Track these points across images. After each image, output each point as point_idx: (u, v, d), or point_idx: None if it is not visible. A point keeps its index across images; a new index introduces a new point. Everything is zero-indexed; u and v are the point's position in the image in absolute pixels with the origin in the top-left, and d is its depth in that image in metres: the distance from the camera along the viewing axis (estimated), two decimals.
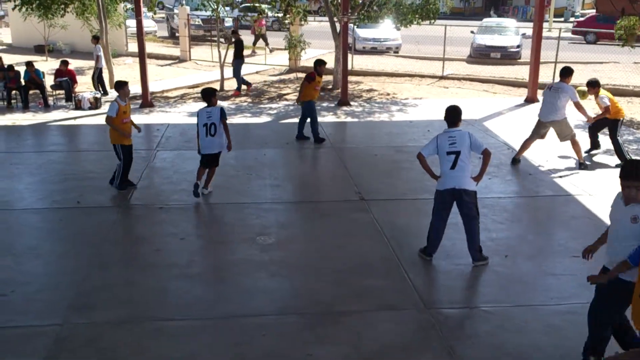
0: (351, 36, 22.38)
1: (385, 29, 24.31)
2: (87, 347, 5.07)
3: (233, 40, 16.83)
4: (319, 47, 23.39)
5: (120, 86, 8.61)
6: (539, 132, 10.05)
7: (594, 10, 15.18)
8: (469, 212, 6.40)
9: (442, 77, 19.49)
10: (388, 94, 16.80)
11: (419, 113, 14.35)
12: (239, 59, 16.62)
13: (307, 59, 22.29)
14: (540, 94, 16.23)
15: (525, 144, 10.17)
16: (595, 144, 10.69)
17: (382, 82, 18.97)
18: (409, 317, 5.52)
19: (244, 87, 16.84)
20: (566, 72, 9.85)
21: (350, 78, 17.69)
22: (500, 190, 8.97)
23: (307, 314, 5.57)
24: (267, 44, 23.74)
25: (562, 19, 41.37)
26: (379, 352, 4.98)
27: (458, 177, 6.35)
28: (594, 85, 10.04)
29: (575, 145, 9.84)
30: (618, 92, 17.11)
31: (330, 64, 18.82)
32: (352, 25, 20.65)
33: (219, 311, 5.65)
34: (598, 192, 8.73)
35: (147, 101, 14.82)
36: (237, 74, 16.66)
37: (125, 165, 8.72)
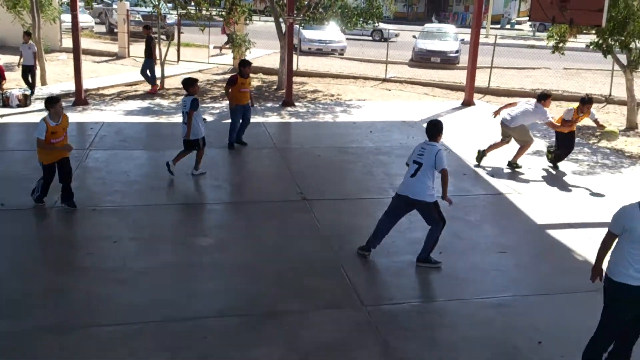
0: (297, 37, 22.54)
1: (330, 31, 24.59)
2: (11, 357, 4.89)
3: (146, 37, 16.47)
4: (264, 47, 23.42)
5: (51, 104, 7.55)
6: (506, 135, 10.45)
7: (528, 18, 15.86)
8: (427, 219, 6.74)
9: (385, 80, 19.89)
10: (332, 95, 17.04)
11: (363, 114, 14.63)
12: (149, 58, 16.28)
13: (252, 58, 22.30)
14: (477, 98, 16.87)
15: (495, 146, 10.55)
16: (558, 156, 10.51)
17: (327, 83, 19.19)
18: (347, 315, 5.70)
19: (148, 86, 16.62)
20: (544, 96, 10.25)
21: (295, 79, 17.82)
22: (438, 189, 9.29)
23: (247, 315, 5.64)
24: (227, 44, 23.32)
25: (499, 26, 42.83)
26: (316, 351, 5.12)
27: (414, 187, 6.62)
28: (589, 102, 10.09)
29: (522, 149, 10.27)
30: None
31: (276, 64, 18.91)
32: (297, 26, 20.78)
33: (155, 315, 5.54)
34: (527, 191, 9.18)
35: (81, 99, 14.36)
36: (143, 72, 16.45)
37: (46, 182, 7.87)
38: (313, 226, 7.79)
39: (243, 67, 10.98)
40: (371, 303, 5.88)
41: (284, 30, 16.42)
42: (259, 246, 7.20)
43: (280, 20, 16.71)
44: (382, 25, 28.04)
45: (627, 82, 14.01)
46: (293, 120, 13.95)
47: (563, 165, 10.70)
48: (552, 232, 7.76)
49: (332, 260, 6.82)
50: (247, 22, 19.08)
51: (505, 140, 10.46)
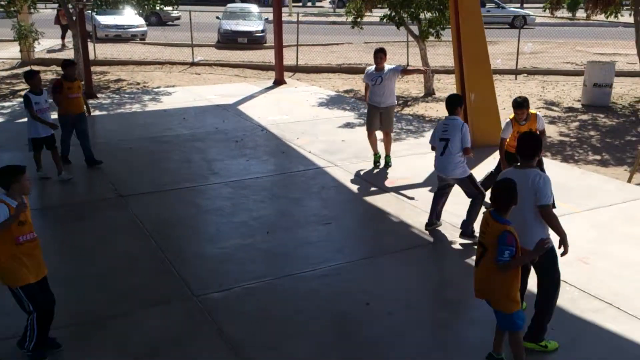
0: (91, 24, 21.11)
1: (128, 16, 23.41)
2: None
3: None
4: (56, 37, 21.65)
5: (14, 174, 4.53)
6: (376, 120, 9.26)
7: None
8: (466, 193, 6.83)
9: (192, 64, 19.44)
10: (138, 84, 16.24)
11: (173, 101, 14.15)
12: None
13: (43, 49, 20.45)
14: (288, 76, 17.19)
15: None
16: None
17: (130, 71, 18.26)
18: (177, 309, 5.49)
19: None
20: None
21: (95, 68, 16.72)
22: (258, 170, 9.32)
23: (71, 326, 5.18)
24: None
25: (301, 4, 44.03)
26: (150, 352, 4.87)
27: (446, 164, 6.70)
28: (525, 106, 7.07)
29: (386, 137, 9.35)
30: (353, 70, 18.86)
31: (71, 54, 17.50)
32: (90, 11, 19.43)
33: None
34: (343, 163, 9.56)
35: None
36: None
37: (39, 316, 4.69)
38: (132, 223, 7.36)
39: (66, 68, 9.09)
40: (201, 293, 5.71)
41: (74, 17, 15.21)
42: (75, 251, 6.65)
43: (70, 6, 15.43)
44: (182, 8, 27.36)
45: (420, 52, 15.19)
46: (97, 113, 13.05)
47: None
48: (369, 199, 8.17)
49: (156, 256, 6.51)
50: (32, 10, 17.41)
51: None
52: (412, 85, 16.62)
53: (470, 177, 6.79)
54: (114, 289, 5.82)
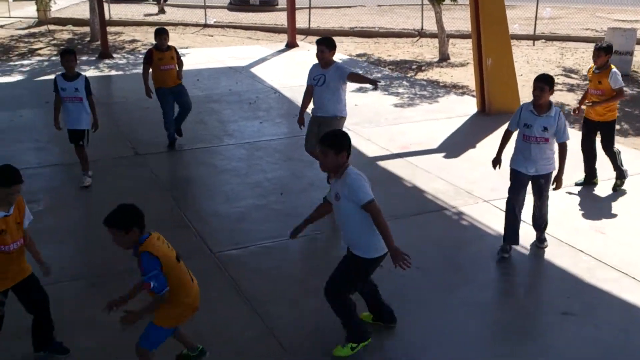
0: None
1: None
2: None
3: None
4: None
5: (7, 182, 3.92)
6: None
7: None
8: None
9: (205, 26, 19.37)
10: (153, 44, 16.24)
11: (187, 62, 13.91)
12: None
13: (59, 9, 20.45)
14: (300, 39, 17.13)
15: None
16: (592, 168, 7.41)
17: (144, 32, 18.25)
18: (196, 264, 5.65)
19: None
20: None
21: (110, 29, 16.73)
22: (272, 132, 9.44)
23: (90, 277, 5.40)
24: None
25: None
26: None
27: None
28: (607, 51, 6.94)
29: None
30: (366, 33, 18.75)
31: (86, 14, 17.51)
32: None
33: None
34: (355, 127, 9.63)
35: None
36: None
37: None
38: (150, 180, 7.55)
39: (156, 37, 8.39)
40: (218, 250, 5.90)
41: None
42: (93, 207, 6.83)
43: None
44: None
45: (436, 15, 15.05)
46: (113, 73, 13.15)
47: (385, 98, 11.34)
48: (382, 163, 8.27)
49: (174, 212, 6.69)
50: None
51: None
52: (426, 50, 16.53)
53: None
54: None
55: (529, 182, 5.69)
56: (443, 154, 8.36)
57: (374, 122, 9.87)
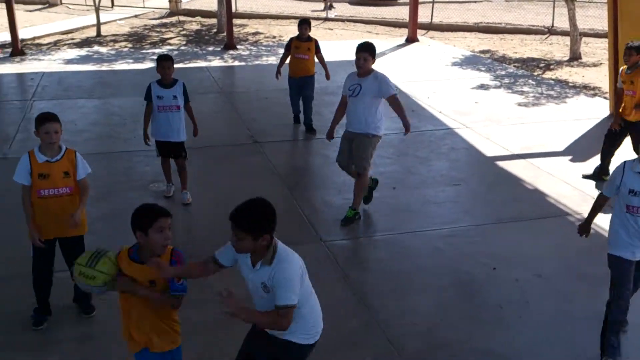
0: None
1: None
2: None
3: None
4: None
5: (41, 122, 4.40)
6: None
7: None
8: None
9: (326, 19, 19.57)
10: (274, 37, 16.67)
11: None
12: None
13: (189, 0, 21.52)
14: (421, 34, 16.84)
15: None
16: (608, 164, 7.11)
17: (267, 24, 18.74)
18: (307, 251, 5.70)
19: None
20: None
21: (235, 21, 17.32)
22: (387, 127, 9.21)
23: None
24: None
25: None
26: None
27: None
28: (639, 50, 6.72)
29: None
30: (492, 29, 18.09)
31: (214, 6, 18.27)
32: None
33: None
34: (474, 125, 9.30)
35: (18, 49, 13.85)
36: None
37: (38, 276, 4.51)
38: (266, 168, 7.72)
39: (299, 26, 8.81)
40: (329, 239, 5.91)
41: None
42: (214, 190, 7.09)
43: None
44: None
45: (569, 12, 14.19)
46: (237, 63, 13.61)
47: (508, 97, 10.88)
48: (501, 164, 7.92)
49: (288, 200, 6.79)
50: None
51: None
52: (556, 48, 15.65)
53: None
54: None
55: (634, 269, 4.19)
56: (569, 157, 7.86)
57: (494, 121, 9.48)
